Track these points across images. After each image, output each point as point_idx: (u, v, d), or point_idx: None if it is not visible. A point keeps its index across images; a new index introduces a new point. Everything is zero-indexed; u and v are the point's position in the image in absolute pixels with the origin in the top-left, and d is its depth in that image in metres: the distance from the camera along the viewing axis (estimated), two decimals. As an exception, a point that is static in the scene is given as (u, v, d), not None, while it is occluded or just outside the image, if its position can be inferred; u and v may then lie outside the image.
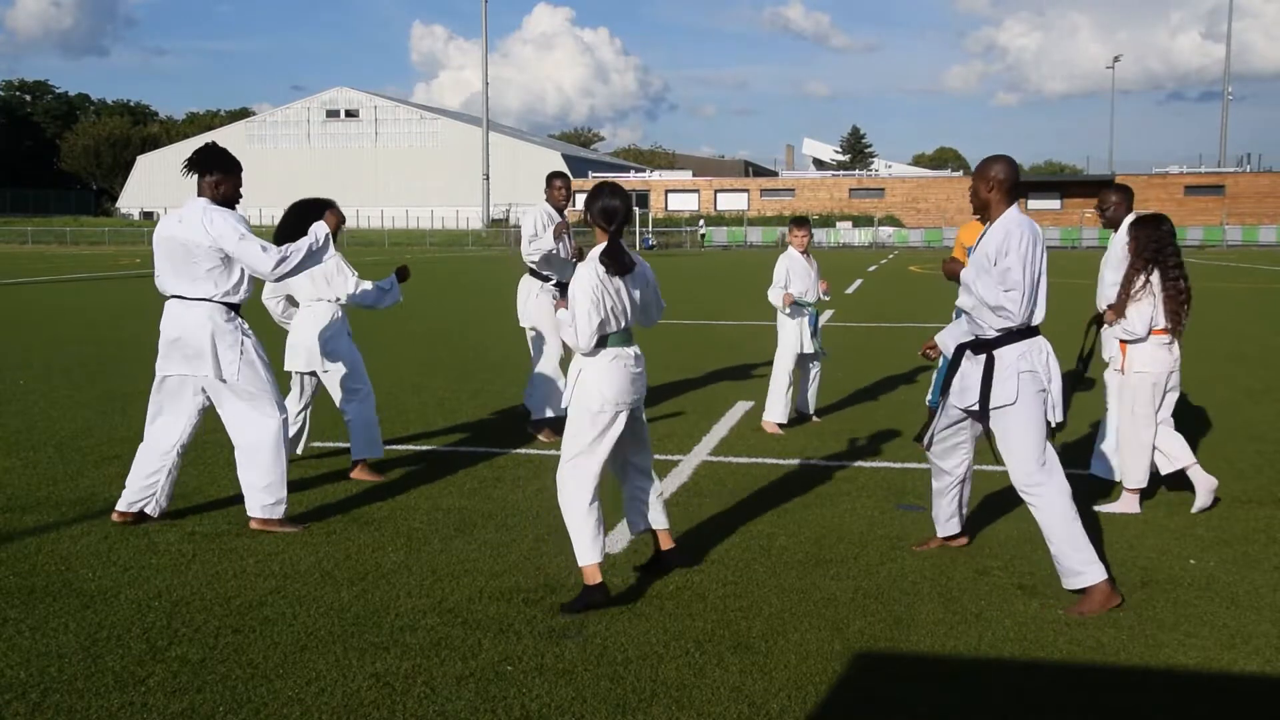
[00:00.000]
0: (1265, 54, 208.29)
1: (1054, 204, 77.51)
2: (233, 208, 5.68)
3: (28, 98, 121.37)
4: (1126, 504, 6.25)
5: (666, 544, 5.06)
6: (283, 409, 5.77)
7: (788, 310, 8.71)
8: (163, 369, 5.73)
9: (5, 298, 23.40)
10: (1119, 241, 6.62)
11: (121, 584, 4.90)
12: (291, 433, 6.73)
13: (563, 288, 8.29)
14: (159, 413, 5.80)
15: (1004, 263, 4.78)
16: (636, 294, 4.79)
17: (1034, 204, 75.18)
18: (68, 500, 6.32)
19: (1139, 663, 4.17)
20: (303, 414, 7.11)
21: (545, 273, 8.38)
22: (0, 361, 12.42)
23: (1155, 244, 6.07)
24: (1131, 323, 6.07)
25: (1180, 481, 6.48)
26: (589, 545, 4.67)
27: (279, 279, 5.76)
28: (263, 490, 5.67)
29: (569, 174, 8.55)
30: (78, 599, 4.71)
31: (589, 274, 4.64)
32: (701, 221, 75.39)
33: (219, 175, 5.62)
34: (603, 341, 4.71)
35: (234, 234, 5.50)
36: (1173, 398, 6.38)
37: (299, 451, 7.20)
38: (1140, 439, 6.24)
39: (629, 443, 4.94)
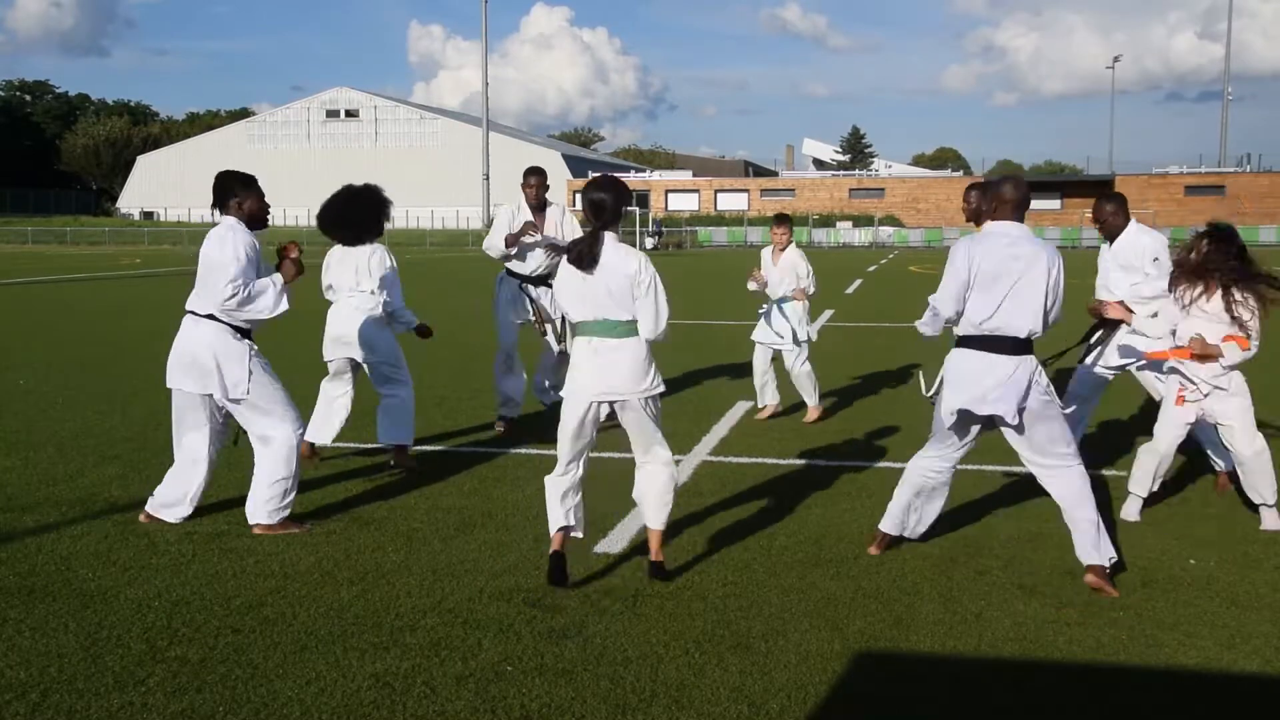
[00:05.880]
0: (1264, 54, 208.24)
1: (1054, 204, 77.32)
2: (264, 222, 5.74)
3: (28, 98, 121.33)
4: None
5: (655, 553, 5.05)
6: (298, 420, 5.78)
7: (752, 289, 9.03)
8: (170, 382, 5.76)
9: (5, 298, 23.39)
10: (1119, 249, 6.76)
11: (121, 584, 4.91)
12: (342, 418, 7.14)
13: (541, 279, 8.42)
14: (182, 426, 5.83)
15: None
16: (612, 286, 4.78)
17: (1034, 204, 73.67)
18: (68, 500, 6.32)
19: (1139, 663, 4.17)
20: (344, 398, 7.18)
21: (520, 271, 8.42)
22: (0, 361, 12.43)
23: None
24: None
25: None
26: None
27: (224, 313, 5.62)
28: (265, 501, 5.70)
29: (544, 170, 8.58)
30: (78, 599, 4.71)
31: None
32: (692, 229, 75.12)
33: (239, 195, 5.68)
34: (575, 329, 4.89)
35: (216, 253, 5.52)
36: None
37: (330, 441, 7.24)
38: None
39: (632, 437, 4.96)
